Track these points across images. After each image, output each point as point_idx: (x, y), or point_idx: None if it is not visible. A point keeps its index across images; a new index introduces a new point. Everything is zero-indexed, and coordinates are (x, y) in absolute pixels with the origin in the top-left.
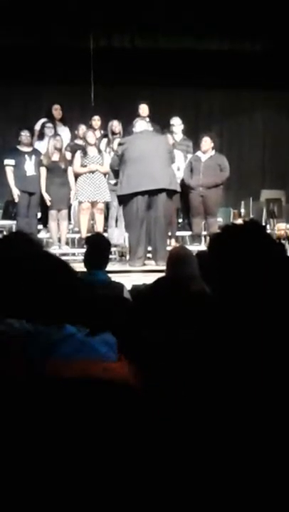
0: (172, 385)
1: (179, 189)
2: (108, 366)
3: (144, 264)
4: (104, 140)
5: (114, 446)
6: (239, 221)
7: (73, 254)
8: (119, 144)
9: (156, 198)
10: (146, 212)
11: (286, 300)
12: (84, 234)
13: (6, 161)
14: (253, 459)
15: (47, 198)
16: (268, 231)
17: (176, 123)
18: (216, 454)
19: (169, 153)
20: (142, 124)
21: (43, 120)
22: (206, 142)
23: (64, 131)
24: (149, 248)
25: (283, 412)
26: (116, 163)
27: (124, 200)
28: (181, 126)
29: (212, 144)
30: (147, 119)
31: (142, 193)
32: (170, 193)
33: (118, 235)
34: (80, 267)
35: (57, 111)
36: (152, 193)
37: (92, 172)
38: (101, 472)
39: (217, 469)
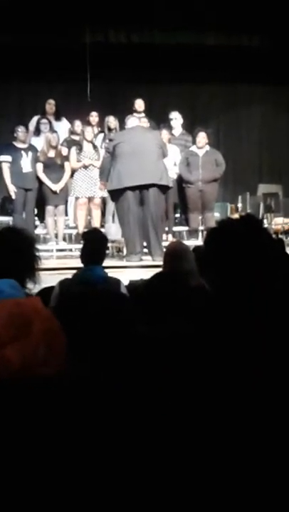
0: (171, 379)
1: (170, 184)
2: (19, 301)
3: (141, 260)
4: (100, 136)
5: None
6: (236, 216)
7: (70, 250)
8: (110, 140)
9: (147, 193)
10: (138, 207)
11: (282, 293)
12: (81, 229)
13: (2, 158)
14: (252, 455)
15: (55, 187)
16: (265, 225)
17: (176, 117)
18: (212, 450)
19: (160, 149)
20: (133, 121)
21: (37, 117)
22: (203, 138)
23: (59, 126)
24: (145, 244)
25: (281, 404)
26: (108, 162)
27: (115, 195)
28: (181, 121)
29: (207, 140)
30: (142, 115)
31: (133, 189)
32: (161, 188)
33: (115, 231)
34: (77, 262)
35: (50, 105)
36: (143, 189)
37: (88, 167)
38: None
39: (215, 464)
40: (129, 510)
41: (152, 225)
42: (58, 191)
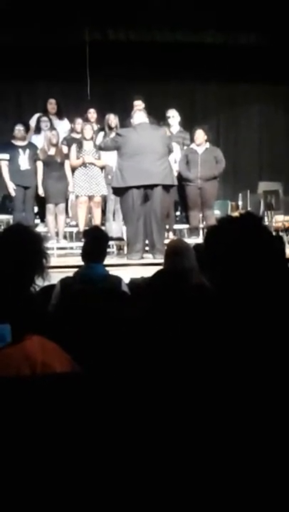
0: (171, 377)
1: (175, 182)
2: (5, 352)
3: (142, 258)
4: (101, 134)
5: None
6: (236, 213)
7: (71, 248)
8: (118, 135)
9: (152, 192)
10: (143, 205)
11: (282, 292)
12: (81, 228)
13: (0, 156)
14: (251, 457)
15: (41, 192)
16: (266, 223)
17: (173, 115)
18: (210, 450)
19: (166, 147)
20: (140, 116)
21: (38, 115)
22: (200, 135)
23: (60, 125)
24: (147, 241)
25: (280, 402)
26: (106, 144)
27: (119, 193)
28: (178, 119)
29: (206, 137)
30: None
31: (137, 187)
32: (166, 186)
33: (116, 229)
34: (77, 260)
35: (51, 105)
36: (148, 187)
37: (88, 166)
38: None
39: (214, 465)
40: (129, 509)
41: (155, 223)
42: (41, 194)
